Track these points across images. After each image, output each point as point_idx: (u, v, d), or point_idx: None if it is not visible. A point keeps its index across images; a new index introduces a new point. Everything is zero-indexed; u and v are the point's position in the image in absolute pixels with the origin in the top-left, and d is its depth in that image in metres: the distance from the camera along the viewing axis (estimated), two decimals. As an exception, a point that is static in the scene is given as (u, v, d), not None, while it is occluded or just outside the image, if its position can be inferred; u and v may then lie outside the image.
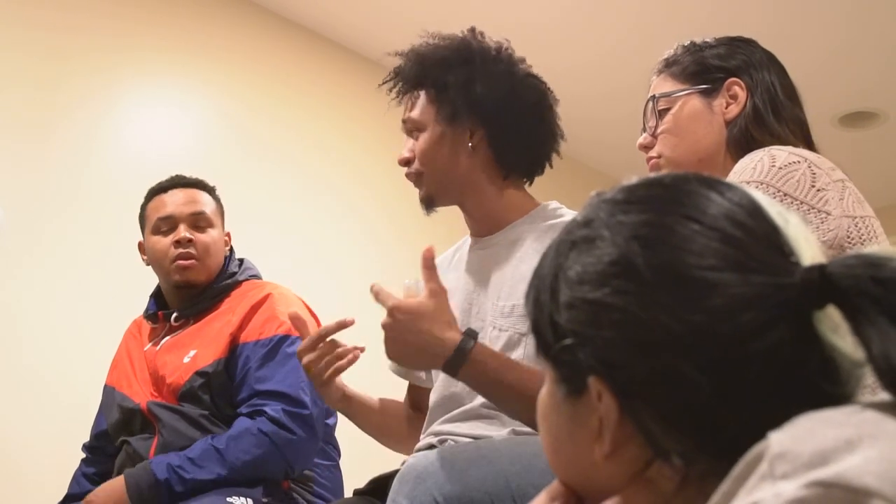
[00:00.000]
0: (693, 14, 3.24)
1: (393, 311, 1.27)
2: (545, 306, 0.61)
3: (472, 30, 1.58)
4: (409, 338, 1.27)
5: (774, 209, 0.58)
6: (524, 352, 1.42)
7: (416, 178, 1.55)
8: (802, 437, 0.45)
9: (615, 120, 3.68)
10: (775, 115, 1.39)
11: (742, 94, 1.40)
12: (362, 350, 1.49)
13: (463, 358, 1.26)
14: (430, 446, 1.42)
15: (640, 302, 0.55)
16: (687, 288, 0.55)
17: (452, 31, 1.58)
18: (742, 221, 0.57)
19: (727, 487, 0.47)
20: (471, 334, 1.29)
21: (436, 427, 1.47)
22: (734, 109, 1.40)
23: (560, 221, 1.51)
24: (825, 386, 0.54)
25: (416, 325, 1.26)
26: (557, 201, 1.58)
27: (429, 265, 1.30)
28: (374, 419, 1.62)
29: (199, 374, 1.80)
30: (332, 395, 1.51)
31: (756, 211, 0.58)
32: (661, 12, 3.27)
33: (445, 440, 1.42)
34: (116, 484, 1.68)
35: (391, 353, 1.30)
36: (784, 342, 0.53)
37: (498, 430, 1.38)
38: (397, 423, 1.65)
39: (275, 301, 1.87)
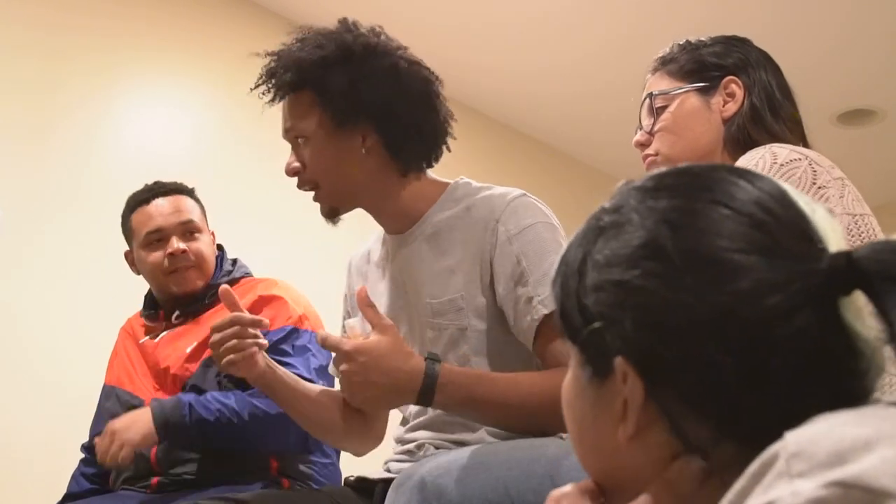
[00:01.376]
0: (689, 10, 3.24)
1: (353, 356, 1.20)
2: (572, 290, 0.62)
3: (345, 20, 1.48)
4: (377, 378, 1.20)
5: (802, 199, 0.59)
6: (468, 346, 1.37)
7: (312, 190, 1.45)
8: (819, 436, 0.45)
9: (609, 116, 3.68)
10: (773, 114, 1.40)
11: (740, 92, 1.41)
12: (262, 347, 1.41)
13: (433, 384, 1.22)
14: (409, 452, 1.42)
15: (668, 284, 0.56)
16: (714, 270, 0.55)
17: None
18: (771, 208, 0.57)
19: (742, 485, 0.47)
20: (433, 357, 1.24)
21: (407, 435, 1.45)
22: (732, 108, 1.41)
23: (472, 203, 1.43)
24: (847, 373, 0.54)
25: (381, 365, 1.20)
26: (525, 190, 1.46)
27: (368, 303, 1.25)
28: (303, 407, 1.48)
29: (207, 361, 1.81)
30: (245, 373, 1.41)
31: (784, 199, 0.59)
32: (657, 9, 3.27)
33: (423, 444, 1.40)
34: (140, 410, 1.73)
35: (360, 399, 1.23)
36: (810, 328, 0.53)
37: (470, 434, 1.36)
38: (330, 416, 1.50)
39: (285, 296, 1.89)
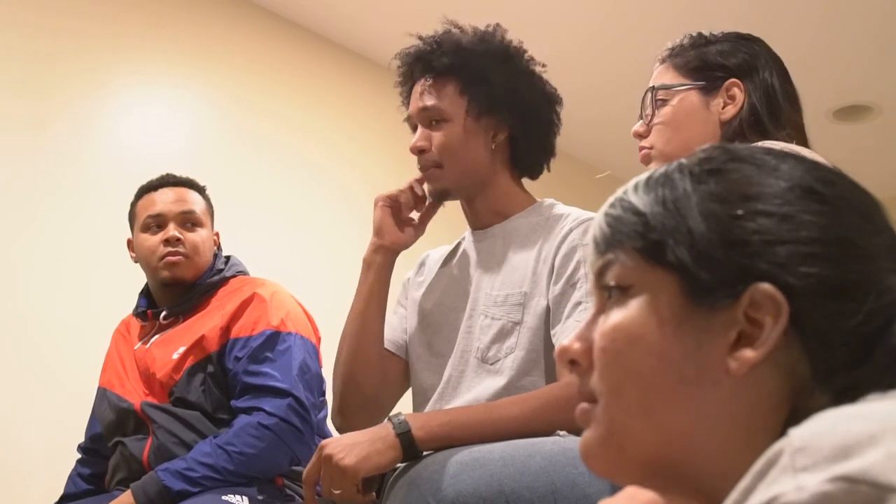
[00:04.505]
0: (677, 3, 3.23)
1: (324, 447, 1.26)
2: (694, 214, 0.61)
3: (498, 25, 1.56)
4: (353, 440, 1.25)
5: None
6: (517, 340, 1.41)
7: (432, 171, 1.52)
8: (824, 431, 0.44)
9: (600, 116, 3.68)
10: (772, 120, 1.39)
11: (740, 95, 1.39)
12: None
13: (406, 426, 1.25)
14: None
15: (827, 219, 0.59)
16: (857, 219, 0.60)
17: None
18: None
19: (747, 483, 0.46)
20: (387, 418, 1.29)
21: None
22: (730, 111, 1.40)
23: (553, 214, 1.53)
24: None
25: (347, 438, 1.26)
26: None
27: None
28: (366, 332, 1.54)
29: (191, 370, 1.81)
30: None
31: None
32: (645, 1, 3.27)
33: None
34: (124, 498, 1.68)
35: (351, 462, 1.23)
36: None
37: None
38: (377, 351, 1.57)
39: (267, 297, 1.86)
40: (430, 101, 1.51)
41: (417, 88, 1.54)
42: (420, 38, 1.55)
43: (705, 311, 0.59)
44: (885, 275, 0.57)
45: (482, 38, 1.53)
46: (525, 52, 1.56)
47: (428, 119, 1.52)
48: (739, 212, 0.59)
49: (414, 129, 1.56)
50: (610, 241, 0.64)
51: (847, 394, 0.53)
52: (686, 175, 0.63)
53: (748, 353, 0.56)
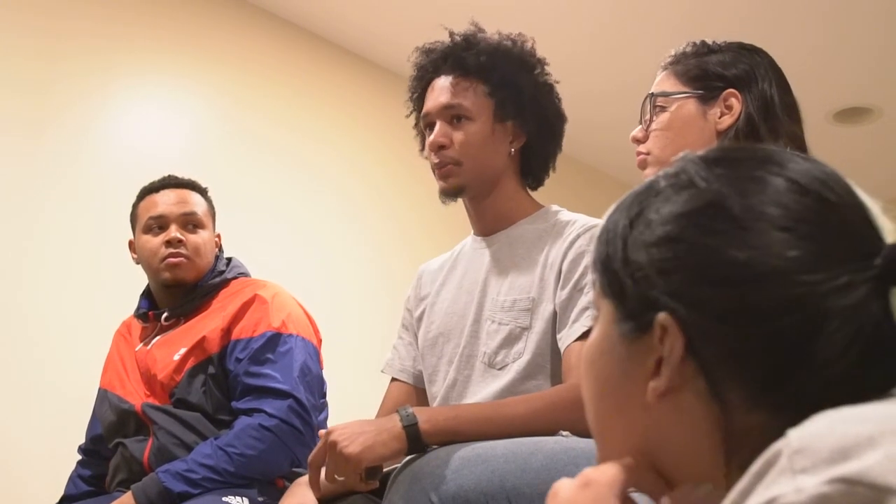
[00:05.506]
0: (680, 6, 3.24)
1: (331, 433, 1.25)
2: (619, 245, 0.62)
3: (521, 34, 1.58)
4: (360, 428, 1.25)
5: (861, 192, 0.60)
6: (525, 345, 1.42)
7: (449, 167, 1.53)
8: (822, 433, 0.45)
9: (608, 117, 3.68)
10: (769, 131, 1.39)
11: (737, 106, 1.40)
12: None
13: (410, 413, 1.26)
14: None
15: (729, 243, 0.56)
16: (774, 235, 0.56)
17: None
18: (834, 188, 0.58)
19: (745, 484, 0.46)
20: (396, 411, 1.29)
21: None
22: (727, 121, 1.40)
23: (559, 220, 1.54)
24: (890, 363, 0.54)
25: (355, 423, 1.26)
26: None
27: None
28: None
29: (191, 371, 1.81)
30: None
31: (846, 184, 0.60)
32: (647, 6, 3.27)
33: None
34: (124, 500, 1.68)
35: (354, 450, 1.22)
36: (863, 308, 0.53)
37: None
38: None
39: (268, 299, 1.87)
40: (457, 99, 1.52)
41: (440, 83, 1.55)
42: (451, 34, 1.56)
43: (631, 340, 0.60)
44: (801, 288, 0.54)
45: (514, 43, 1.56)
46: (547, 64, 1.59)
47: (450, 116, 1.53)
48: (648, 238, 0.60)
49: (429, 125, 1.56)
50: (592, 266, 0.68)
51: (788, 407, 0.52)
52: (640, 195, 0.64)
53: (652, 384, 0.58)
